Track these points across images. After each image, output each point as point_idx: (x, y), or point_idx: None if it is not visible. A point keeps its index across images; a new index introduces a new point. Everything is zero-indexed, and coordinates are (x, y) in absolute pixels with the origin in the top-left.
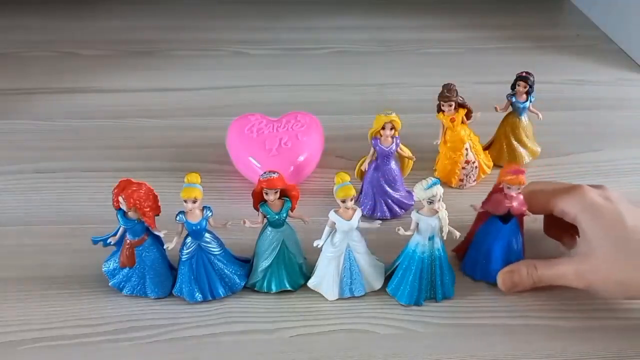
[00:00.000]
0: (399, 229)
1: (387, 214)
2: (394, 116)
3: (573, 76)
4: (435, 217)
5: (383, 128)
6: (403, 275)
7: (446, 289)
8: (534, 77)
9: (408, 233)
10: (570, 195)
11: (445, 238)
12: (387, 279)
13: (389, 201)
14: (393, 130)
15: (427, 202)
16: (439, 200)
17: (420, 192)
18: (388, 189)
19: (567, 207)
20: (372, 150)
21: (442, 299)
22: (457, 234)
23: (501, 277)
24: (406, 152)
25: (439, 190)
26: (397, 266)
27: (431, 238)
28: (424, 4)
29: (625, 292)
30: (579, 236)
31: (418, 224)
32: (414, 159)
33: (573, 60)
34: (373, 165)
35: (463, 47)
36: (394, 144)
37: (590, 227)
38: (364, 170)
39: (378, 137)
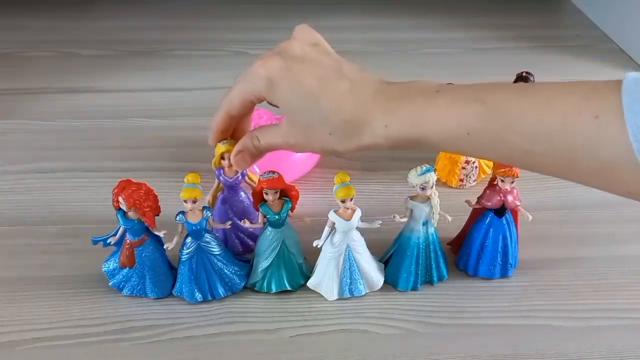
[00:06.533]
0: (394, 217)
1: (240, 247)
2: (231, 146)
3: (573, 76)
4: (428, 203)
5: (223, 158)
6: (400, 262)
7: (441, 271)
8: (534, 77)
9: (403, 219)
10: (248, 82)
11: (436, 224)
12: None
13: (240, 234)
14: None
15: (420, 188)
16: (432, 187)
17: (413, 177)
18: (238, 222)
19: (253, 93)
20: (216, 181)
21: (438, 281)
22: (449, 218)
23: (234, 160)
24: (257, 181)
25: (432, 177)
26: (392, 254)
27: (425, 223)
28: (423, 4)
29: (322, 149)
30: None
31: (412, 210)
32: None
33: (573, 60)
34: (220, 197)
35: (463, 47)
36: (239, 174)
37: (277, 101)
38: (210, 203)
39: (222, 168)
